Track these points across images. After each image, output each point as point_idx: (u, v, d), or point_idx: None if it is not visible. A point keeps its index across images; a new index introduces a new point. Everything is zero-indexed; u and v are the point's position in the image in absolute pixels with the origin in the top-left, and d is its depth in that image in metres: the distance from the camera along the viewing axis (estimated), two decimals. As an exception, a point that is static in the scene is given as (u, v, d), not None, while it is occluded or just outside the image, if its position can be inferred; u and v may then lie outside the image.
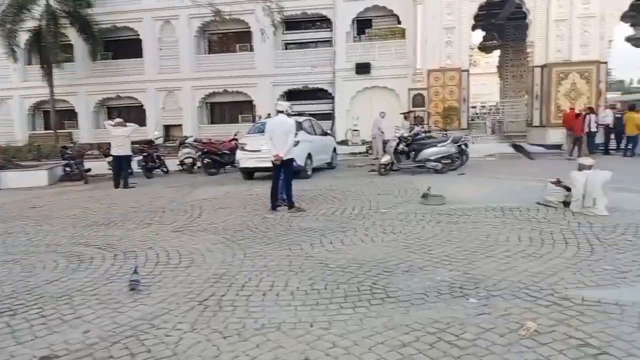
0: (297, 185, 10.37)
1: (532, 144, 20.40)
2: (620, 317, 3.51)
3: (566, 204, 7.54)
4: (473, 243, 5.72)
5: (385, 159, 12.32)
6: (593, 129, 15.65)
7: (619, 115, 16.68)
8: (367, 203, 8.59)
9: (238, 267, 5.16)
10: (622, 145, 16.49)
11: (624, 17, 20.91)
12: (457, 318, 3.65)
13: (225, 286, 4.56)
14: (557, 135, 19.12)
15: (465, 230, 6.33)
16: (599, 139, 16.97)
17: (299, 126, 12.58)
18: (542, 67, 19.94)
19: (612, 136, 17.20)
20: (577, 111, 15.34)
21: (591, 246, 5.39)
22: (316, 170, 13.58)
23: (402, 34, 22.75)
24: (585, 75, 19.48)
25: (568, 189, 7.60)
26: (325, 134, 14.54)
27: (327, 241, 6.06)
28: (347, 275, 4.73)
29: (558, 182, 7.77)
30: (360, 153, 19.92)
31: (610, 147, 16.96)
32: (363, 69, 22.81)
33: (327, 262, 5.18)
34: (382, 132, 17.60)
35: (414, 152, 12.37)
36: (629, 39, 25.59)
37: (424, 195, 8.37)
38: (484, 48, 28.42)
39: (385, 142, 17.16)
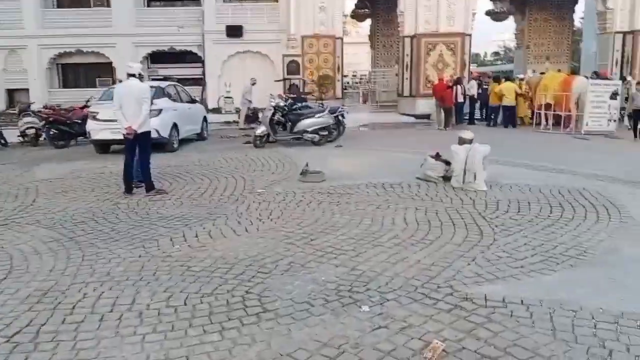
0: (160, 161, 9.17)
1: (403, 114, 20.81)
2: (530, 323, 3.07)
3: (446, 178, 7.31)
4: (358, 229, 5.12)
5: (261, 130, 11.43)
6: (460, 100, 16.13)
7: (486, 87, 17.38)
8: (241, 181, 7.69)
9: (72, 276, 4.02)
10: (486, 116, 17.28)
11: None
12: (349, 337, 2.97)
13: (49, 309, 3.43)
14: (425, 105, 19.60)
15: (349, 213, 5.73)
16: (464, 109, 17.61)
17: (161, 92, 11.20)
18: (412, 37, 20.17)
19: (477, 106, 17.94)
20: (447, 82, 15.62)
21: (479, 228, 5.07)
22: (184, 142, 12.29)
23: (275, -4, 21.69)
24: (451, 47, 20.05)
25: (447, 163, 7.37)
26: (193, 101, 13.21)
27: (192, 234, 5.08)
28: (214, 281, 3.84)
29: (437, 156, 7.51)
30: (234, 122, 18.76)
31: (475, 117, 17.68)
32: (235, 32, 21.42)
33: (189, 263, 4.23)
34: (249, 101, 16.63)
35: (290, 123, 11.61)
36: (488, 13, 27.02)
37: (303, 172, 7.67)
38: (356, 16, 28.34)
39: (253, 112, 16.36)
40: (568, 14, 28.81)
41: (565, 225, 5.14)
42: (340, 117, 12.35)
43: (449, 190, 6.81)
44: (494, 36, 58.37)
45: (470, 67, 23.17)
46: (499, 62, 55.31)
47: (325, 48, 20.39)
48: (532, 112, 17.12)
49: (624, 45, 20.59)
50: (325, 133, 11.54)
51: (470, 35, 20.39)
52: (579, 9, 31.25)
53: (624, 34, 20.43)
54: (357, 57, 54.64)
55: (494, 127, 16.26)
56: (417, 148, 10.97)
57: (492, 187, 6.87)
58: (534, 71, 19.46)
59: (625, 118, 11.29)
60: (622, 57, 20.70)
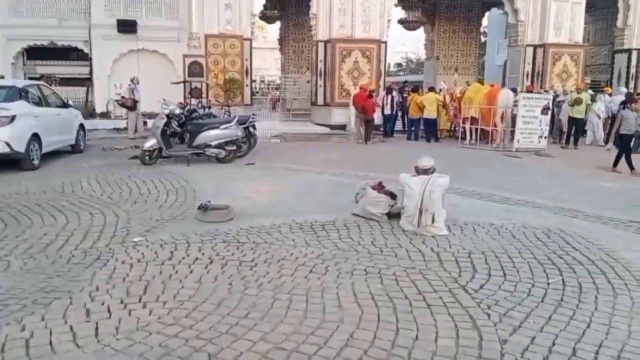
0: (6, 186, 6.74)
1: (317, 123, 19.26)
2: None
3: (391, 215, 5.65)
4: (287, 324, 3.20)
5: (150, 143, 9.14)
6: (387, 112, 14.87)
7: (406, 96, 16.25)
8: (114, 220, 5.50)
9: None
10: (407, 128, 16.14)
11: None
12: None
13: None
14: (341, 116, 18.21)
15: (270, 285, 3.80)
16: (379, 120, 16.42)
17: (16, 94, 8.64)
18: (326, 42, 18.69)
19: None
20: (368, 91, 14.18)
21: (470, 315, 3.35)
22: (51, 156, 9.69)
23: (174, -11, 19.23)
24: (367, 54, 18.82)
25: (393, 196, 5.71)
26: (65, 105, 10.59)
27: (-6, 344, 2.91)
28: None
29: (380, 187, 5.82)
30: (125, 129, 16.06)
31: (395, 130, 16.50)
32: (127, 27, 18.67)
33: None
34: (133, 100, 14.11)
35: (189, 135, 9.46)
36: (401, 21, 26.34)
37: (202, 208, 5.62)
38: (265, 17, 26.45)
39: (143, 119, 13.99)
40: (475, 27, 29.02)
41: (581, 303, 3.60)
42: (251, 129, 10.40)
43: (399, 235, 5.13)
44: (397, 47, 59.14)
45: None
46: (402, 74, 56.04)
47: (232, 49, 18.28)
48: (451, 125, 16.31)
49: (534, 58, 20.63)
50: (233, 148, 9.52)
51: (386, 42, 19.29)
52: (485, 23, 31.82)
53: (535, 47, 20.45)
54: (265, 63, 52.81)
55: (415, 140, 15.13)
56: (343, 167, 9.36)
57: (450, 228, 5.31)
58: (444, 82, 18.81)
59: (610, 142, 10.51)
60: (533, 69, 20.74)
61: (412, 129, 15.36)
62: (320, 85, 19.48)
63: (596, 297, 3.71)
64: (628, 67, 21.98)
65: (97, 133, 15.40)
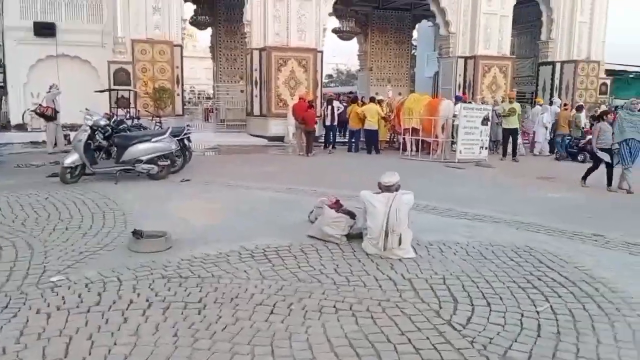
0: None
1: (253, 135, 18.59)
2: None
3: (350, 236, 5.14)
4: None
5: (72, 159, 8.10)
6: (328, 123, 14.47)
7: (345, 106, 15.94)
8: (27, 252, 4.61)
9: None
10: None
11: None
12: None
13: None
14: (279, 126, 17.68)
15: (225, 334, 3.14)
16: (319, 132, 16.07)
17: None
18: (261, 50, 18.11)
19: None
20: (307, 102, 13.69)
21: None
22: (-47, 175, 8.49)
23: (97, -9, 17.97)
24: (303, 63, 18.40)
25: (352, 216, 5.20)
26: (-31, 117, 9.32)
27: None
28: None
29: (338, 206, 5.30)
30: (43, 142, 14.62)
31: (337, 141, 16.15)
32: (45, 30, 17.25)
33: None
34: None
35: (116, 149, 8.53)
36: (335, 31, 26.20)
37: (135, 234, 4.85)
38: (197, 23, 25.42)
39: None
40: (407, 39, 29.48)
41: (581, 336, 3.23)
42: (186, 141, 9.60)
43: (364, 259, 4.61)
44: (328, 59, 59.32)
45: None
46: (332, 85, 56.28)
47: (161, 55, 17.23)
48: (391, 136, 16.19)
49: (465, 69, 21.06)
50: (167, 162, 8.68)
51: (322, 52, 18.97)
52: (415, 35, 32.38)
53: (466, 58, 20.88)
54: (195, 72, 51.23)
55: (356, 152, 14.83)
56: (287, 181, 8.79)
57: (416, 249, 4.87)
58: (376, 93, 18.73)
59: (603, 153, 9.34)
60: (464, 80, 21.16)
61: (353, 140, 15.06)
62: (256, 95, 18.84)
63: (593, 326, 3.35)
64: (552, 79, 22.92)
65: (12, 147, 13.93)
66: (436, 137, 13.14)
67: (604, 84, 23.17)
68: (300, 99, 14.16)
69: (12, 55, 17.47)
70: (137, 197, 7.19)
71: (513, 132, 13.74)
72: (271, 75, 17.94)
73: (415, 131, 13.61)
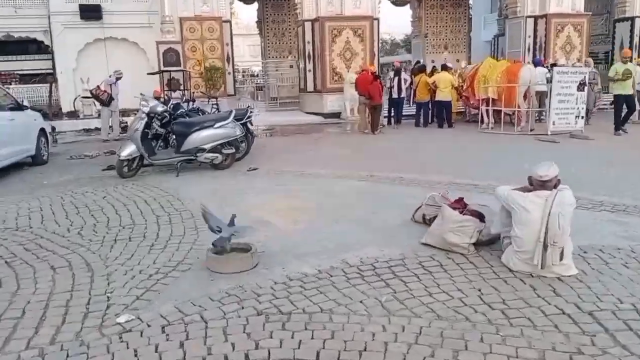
0: None
1: (308, 112, 17.55)
2: None
3: (478, 243, 4.04)
4: None
5: (128, 150, 7.29)
6: (396, 95, 13.19)
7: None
8: (85, 278, 3.75)
9: None
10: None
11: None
12: None
13: None
14: (335, 102, 16.58)
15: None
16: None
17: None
18: (313, 21, 16.91)
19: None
20: (372, 73, 12.43)
21: None
22: (6, 172, 7.87)
23: (141, -33, 17.17)
24: (359, 32, 17.09)
25: (481, 218, 4.09)
26: (19, 107, 8.68)
27: None
28: None
29: (463, 206, 4.18)
30: (97, 129, 14.12)
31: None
32: (91, 12, 16.68)
33: None
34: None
35: (176, 138, 7.67)
36: (390, -4, 24.55)
37: (217, 249, 3.90)
38: (244, -3, 24.35)
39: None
40: (463, 1, 27.42)
41: None
42: (249, 125, 8.66)
43: (511, 280, 3.49)
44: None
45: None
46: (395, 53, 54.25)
47: (210, 33, 16.34)
48: (465, 108, 14.77)
49: (535, 30, 19.18)
50: (232, 150, 7.76)
51: (378, 19, 17.56)
52: (473, -4, 30.17)
53: (535, 18, 18.99)
54: (238, 50, 50.37)
55: (425, 127, 13.55)
56: (363, 166, 7.76)
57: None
58: (432, 61, 17.15)
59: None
60: (534, 42, 19.29)
61: (421, 113, 13.77)
62: (309, 70, 17.73)
63: None
64: (631, 37, 20.65)
65: (65, 136, 13.46)
66: (518, 107, 11.70)
67: (692, 38, 20.72)
68: (363, 70, 12.94)
69: (59, 41, 17.01)
70: (204, 192, 6.30)
71: (629, 99, 11.40)
72: (325, 48, 16.76)
73: (492, 101, 12.19)
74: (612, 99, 11.77)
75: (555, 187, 3.49)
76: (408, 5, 27.27)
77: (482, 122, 12.46)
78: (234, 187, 6.66)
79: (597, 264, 3.75)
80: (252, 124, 8.99)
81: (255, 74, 36.11)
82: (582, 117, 10.93)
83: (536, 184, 3.54)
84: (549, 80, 11.12)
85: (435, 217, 4.34)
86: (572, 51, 19.18)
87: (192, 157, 7.47)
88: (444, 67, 13.54)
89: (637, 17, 20.21)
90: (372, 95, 11.96)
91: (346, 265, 3.84)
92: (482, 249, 4.04)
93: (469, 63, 17.90)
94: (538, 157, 8.64)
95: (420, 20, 26.73)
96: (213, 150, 7.49)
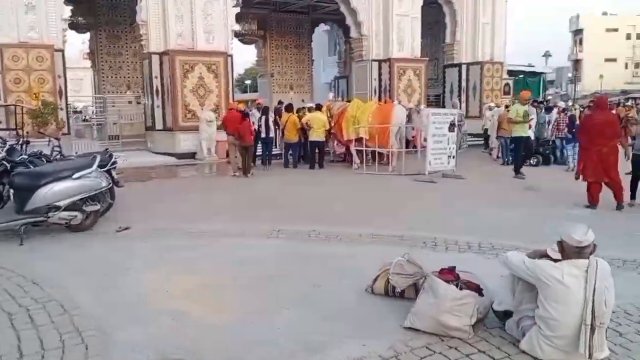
0: None
1: (158, 152, 15.85)
2: None
3: (478, 323, 3.27)
4: None
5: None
6: (264, 134, 12.28)
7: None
8: None
9: None
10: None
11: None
12: None
13: None
14: (188, 141, 15.22)
15: None
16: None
17: None
18: (162, 54, 15.50)
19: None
20: (240, 111, 11.38)
21: None
22: None
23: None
24: (212, 68, 16.08)
25: (480, 292, 3.34)
26: None
27: None
28: None
29: (457, 278, 3.39)
30: None
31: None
32: None
33: None
34: None
35: (17, 193, 5.75)
36: (237, 34, 23.88)
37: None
38: (75, 25, 21.60)
39: None
40: (307, 43, 28.09)
41: None
42: (113, 173, 7.00)
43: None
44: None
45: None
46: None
47: (40, 63, 13.87)
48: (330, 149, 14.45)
49: (380, 73, 20.12)
50: (96, 207, 6.07)
51: (232, 55, 16.76)
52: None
53: (380, 61, 19.92)
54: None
55: (295, 168, 12.89)
56: (261, 220, 6.73)
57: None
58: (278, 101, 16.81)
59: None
60: (380, 84, 20.19)
61: (290, 153, 13.09)
62: (158, 106, 16.15)
63: None
64: (459, 81, 22.86)
65: None
66: (392, 146, 11.65)
67: (507, 84, 23.63)
68: (230, 109, 11.88)
69: None
70: (68, 270, 4.64)
71: (526, 141, 11.28)
72: (176, 83, 15.38)
73: (360, 141, 12.02)
74: (511, 141, 11.71)
75: (591, 253, 2.88)
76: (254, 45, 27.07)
77: (352, 162, 12.20)
78: (108, 258, 5.08)
79: (624, 337, 3.23)
80: (114, 170, 7.30)
81: (79, 109, 32.23)
82: (453, 157, 11.21)
83: (570, 251, 2.88)
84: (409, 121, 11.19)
85: (405, 290, 3.50)
86: (413, 94, 20.43)
87: (43, 219, 5.64)
88: (318, 107, 13.09)
89: (464, 63, 22.40)
90: (242, 135, 10.94)
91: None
92: (477, 327, 3.28)
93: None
94: (428, 198, 8.59)
95: (266, 60, 26.63)
96: (71, 207, 5.75)
